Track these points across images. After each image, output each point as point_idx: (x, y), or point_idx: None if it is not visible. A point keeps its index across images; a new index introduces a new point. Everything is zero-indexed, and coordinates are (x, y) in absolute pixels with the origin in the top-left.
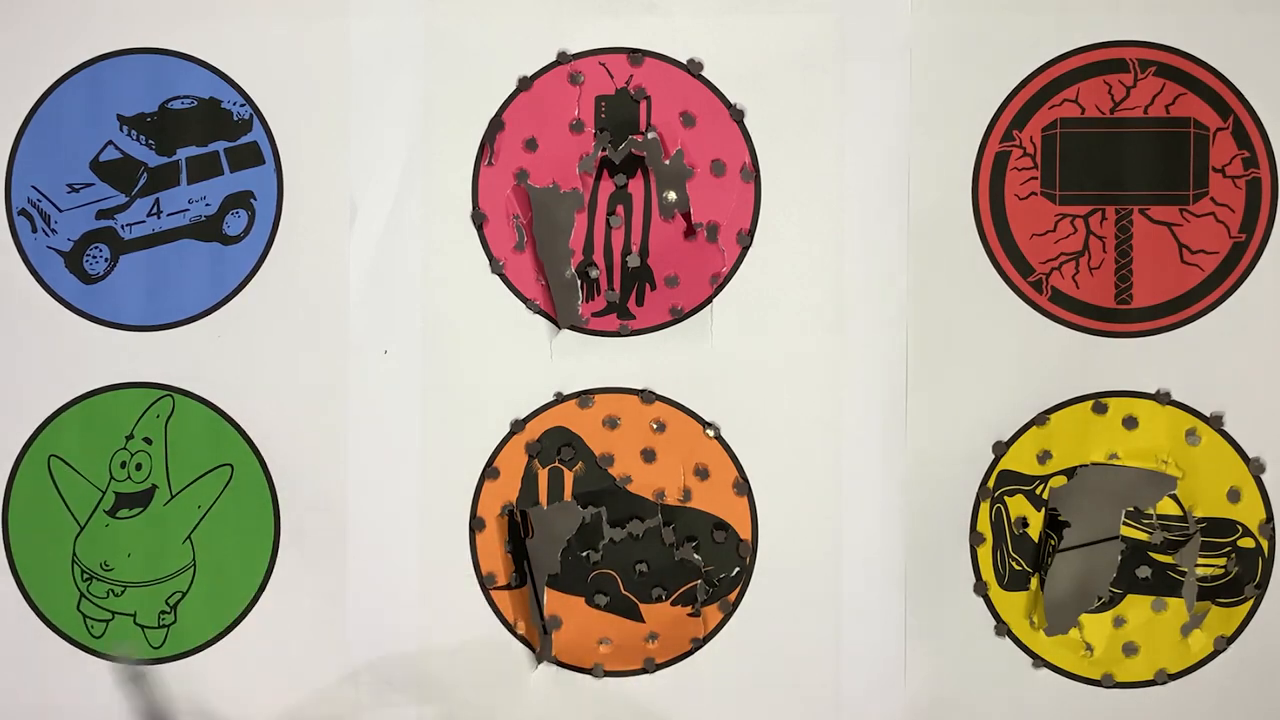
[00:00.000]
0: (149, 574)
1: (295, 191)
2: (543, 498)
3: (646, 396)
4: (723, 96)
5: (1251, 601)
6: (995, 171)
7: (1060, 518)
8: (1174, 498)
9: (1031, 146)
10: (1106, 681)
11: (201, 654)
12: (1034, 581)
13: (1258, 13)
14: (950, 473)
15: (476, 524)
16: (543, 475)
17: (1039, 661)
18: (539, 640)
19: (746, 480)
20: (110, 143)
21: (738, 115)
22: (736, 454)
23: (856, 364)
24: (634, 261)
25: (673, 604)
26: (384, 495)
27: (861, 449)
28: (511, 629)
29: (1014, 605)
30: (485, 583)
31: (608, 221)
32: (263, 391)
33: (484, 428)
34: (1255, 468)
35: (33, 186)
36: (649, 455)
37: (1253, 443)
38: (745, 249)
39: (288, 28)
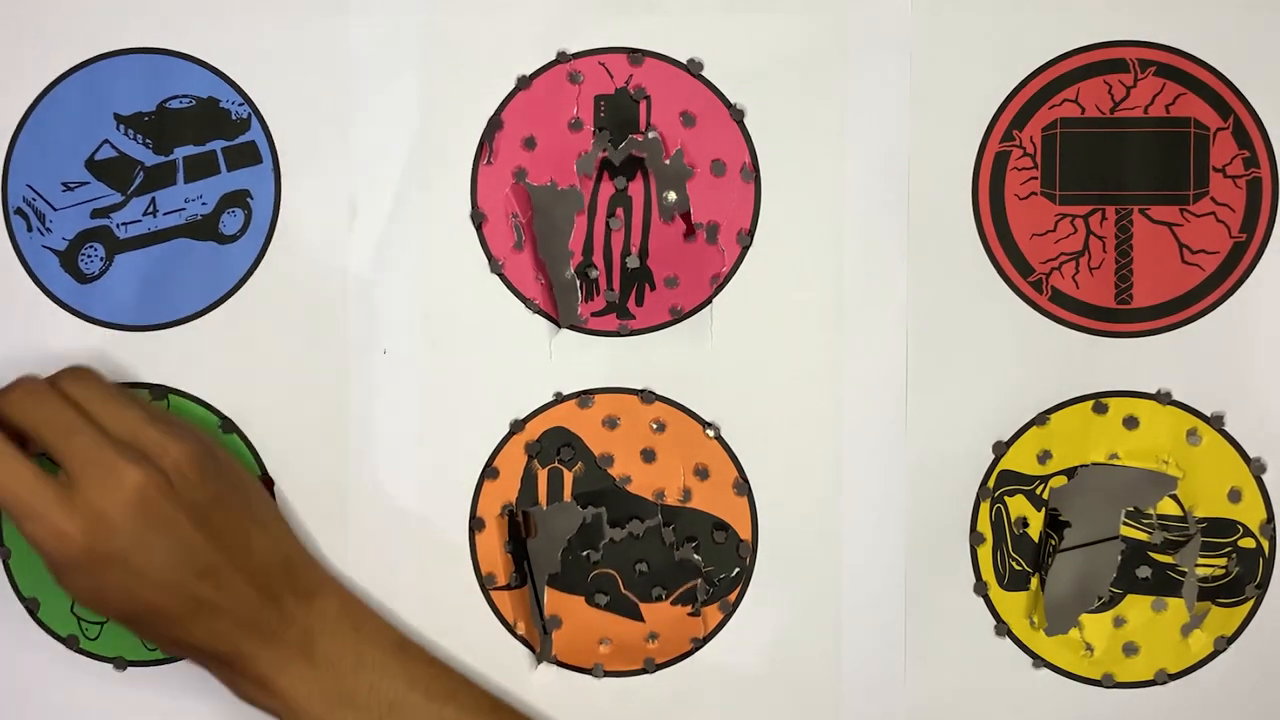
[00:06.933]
0: None
1: (293, 190)
2: (542, 498)
3: (646, 396)
4: (723, 96)
5: (1252, 602)
6: (995, 171)
7: (1060, 518)
8: (1174, 498)
9: (1031, 146)
10: (1106, 681)
11: None
12: (1034, 581)
13: (1258, 13)
14: (950, 473)
15: (476, 524)
16: (542, 475)
17: (1039, 661)
18: (539, 640)
19: (746, 480)
20: (106, 141)
21: (738, 115)
22: (736, 454)
23: (856, 364)
24: (633, 263)
25: (673, 604)
26: (383, 495)
27: (861, 449)
28: (511, 629)
29: (1014, 605)
30: (485, 583)
31: (607, 223)
32: (260, 392)
33: (483, 428)
34: (1256, 468)
35: (28, 185)
36: (649, 455)
37: (1254, 443)
38: (745, 249)
39: (287, 27)
